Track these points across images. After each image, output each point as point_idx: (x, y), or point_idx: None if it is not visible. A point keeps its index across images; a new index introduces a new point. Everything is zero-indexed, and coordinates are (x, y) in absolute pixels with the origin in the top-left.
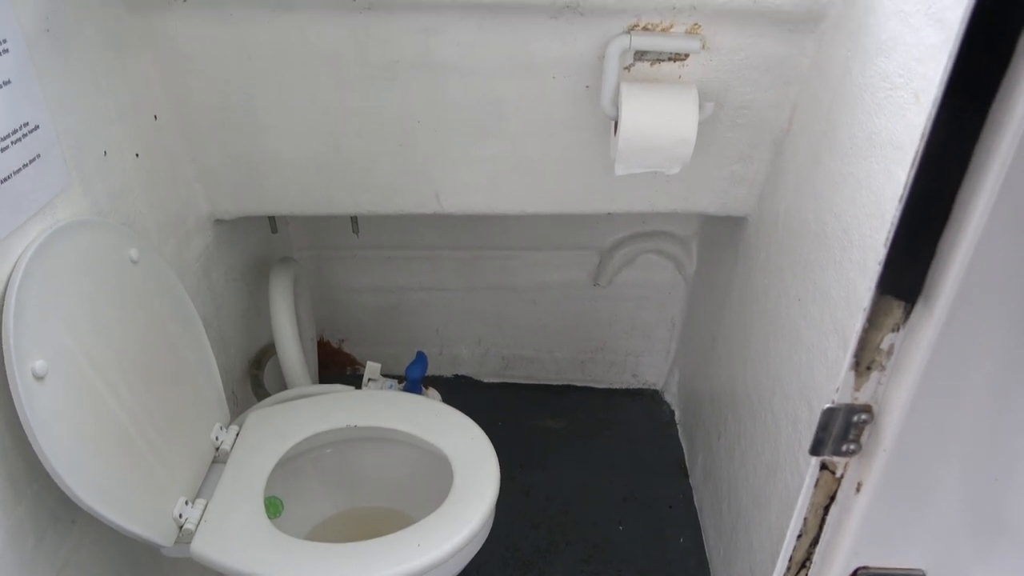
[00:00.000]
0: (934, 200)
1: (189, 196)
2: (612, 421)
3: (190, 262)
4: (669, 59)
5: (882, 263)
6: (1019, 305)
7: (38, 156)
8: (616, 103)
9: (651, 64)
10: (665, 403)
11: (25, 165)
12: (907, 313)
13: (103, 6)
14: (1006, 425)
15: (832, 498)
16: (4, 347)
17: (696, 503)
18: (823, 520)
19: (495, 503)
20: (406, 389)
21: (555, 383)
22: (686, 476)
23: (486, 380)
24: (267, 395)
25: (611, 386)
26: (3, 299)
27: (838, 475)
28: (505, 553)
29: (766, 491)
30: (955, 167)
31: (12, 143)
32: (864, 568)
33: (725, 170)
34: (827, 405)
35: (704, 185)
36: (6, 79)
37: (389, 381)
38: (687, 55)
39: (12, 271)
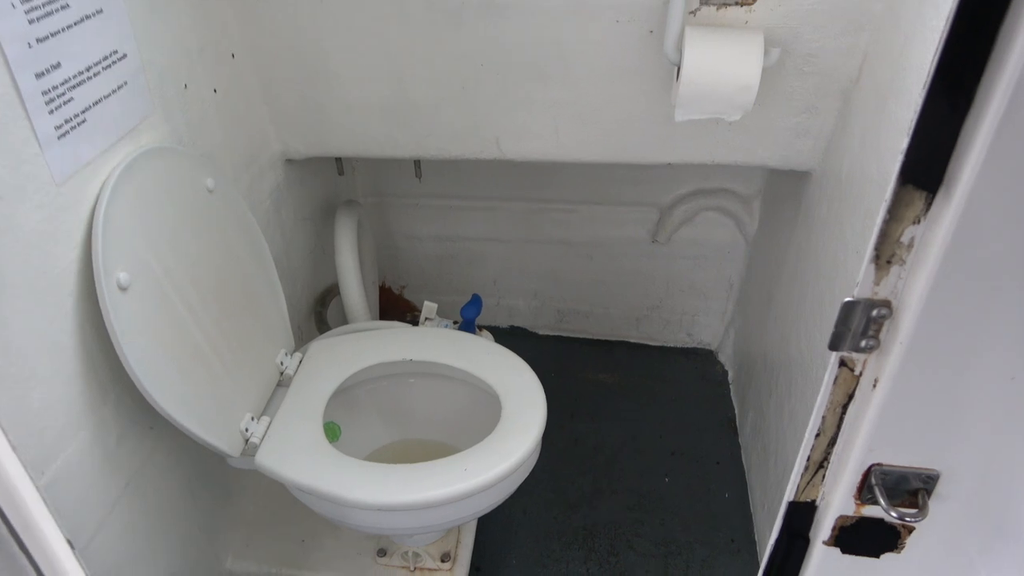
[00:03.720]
0: (957, 85)
1: (262, 135)
2: (665, 378)
3: (262, 198)
4: (736, 3)
5: (904, 151)
6: None
7: (125, 83)
8: (679, 48)
9: (717, 9)
10: (719, 363)
11: (114, 91)
12: (928, 204)
13: None
14: None
15: (851, 396)
16: (93, 257)
17: (744, 461)
18: (841, 419)
19: (541, 436)
20: (461, 329)
21: (609, 339)
22: (736, 435)
23: (541, 332)
24: None
25: (665, 344)
26: (93, 212)
27: (857, 372)
28: (551, 496)
29: None
30: (979, 51)
31: (103, 68)
32: (878, 465)
33: (790, 121)
34: (847, 299)
35: (767, 137)
36: (98, 8)
37: (445, 321)
38: (754, 0)
39: (102, 188)
